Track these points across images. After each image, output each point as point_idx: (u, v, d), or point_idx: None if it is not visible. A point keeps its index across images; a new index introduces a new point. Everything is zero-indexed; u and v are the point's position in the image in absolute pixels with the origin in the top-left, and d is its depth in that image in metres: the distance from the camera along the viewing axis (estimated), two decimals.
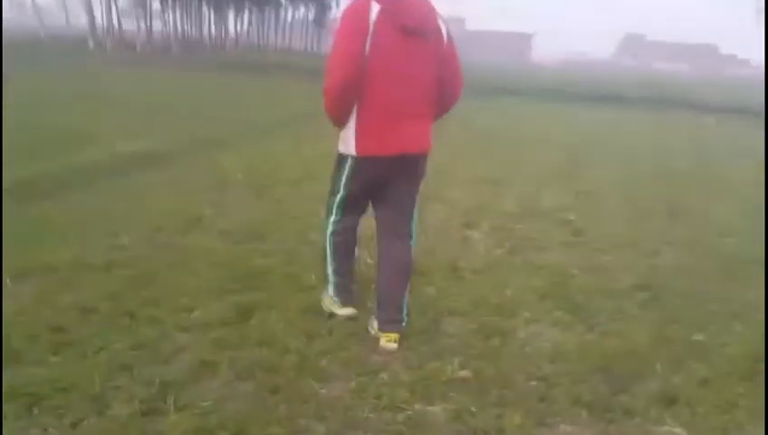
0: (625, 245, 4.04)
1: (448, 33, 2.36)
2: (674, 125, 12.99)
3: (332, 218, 2.59)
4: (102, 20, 31.72)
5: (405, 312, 2.53)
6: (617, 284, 3.30)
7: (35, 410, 1.92)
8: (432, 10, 2.32)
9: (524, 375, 2.28)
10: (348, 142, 2.36)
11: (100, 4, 31.42)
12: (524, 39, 77.98)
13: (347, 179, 2.44)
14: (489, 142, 8.53)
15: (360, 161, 2.37)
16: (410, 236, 2.55)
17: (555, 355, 2.44)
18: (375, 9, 2.19)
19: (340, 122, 2.36)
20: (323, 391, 2.13)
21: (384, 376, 2.23)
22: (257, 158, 6.31)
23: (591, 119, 13.35)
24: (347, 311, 2.66)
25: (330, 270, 2.68)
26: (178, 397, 2.03)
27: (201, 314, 2.63)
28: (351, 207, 2.55)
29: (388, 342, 2.44)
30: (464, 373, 2.26)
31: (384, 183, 2.44)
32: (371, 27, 2.18)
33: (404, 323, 2.51)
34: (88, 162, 5.40)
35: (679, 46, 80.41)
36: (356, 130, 2.31)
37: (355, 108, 2.29)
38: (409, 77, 2.28)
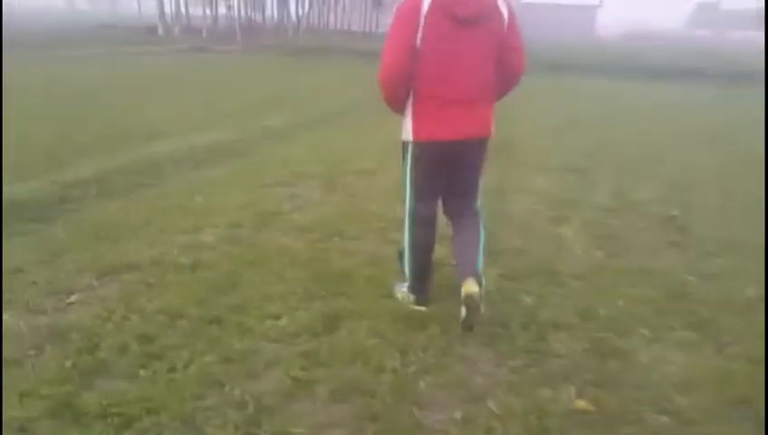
0: (739, 246, 3.57)
1: (511, 15, 2.33)
2: (755, 101, 11.80)
3: (409, 211, 2.59)
4: (171, 8, 32.93)
5: (479, 267, 2.47)
6: (739, 294, 2.90)
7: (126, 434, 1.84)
8: None
9: (653, 409, 1.99)
10: (407, 129, 2.45)
11: None
12: (588, 11, 73.70)
13: (411, 166, 2.50)
14: (562, 125, 8.00)
15: (419, 147, 2.43)
16: (478, 213, 2.62)
17: (685, 384, 2.13)
18: (427, 1, 2.23)
19: (398, 110, 2.47)
20: (426, 420, 1.95)
21: (492, 405, 2.01)
22: (326, 147, 6.18)
23: (665, 96, 12.31)
24: (420, 308, 2.64)
25: (407, 269, 2.66)
26: (273, 421, 1.91)
27: (288, 323, 2.51)
28: (422, 196, 2.55)
29: (468, 288, 2.33)
30: (582, 404, 2.01)
31: (446, 168, 2.49)
32: (423, 19, 2.23)
33: (480, 277, 2.41)
34: (160, 155, 5.42)
35: (758, 13, 73.49)
36: (413, 118, 2.40)
37: (411, 96, 2.38)
38: (464, 65, 2.30)
